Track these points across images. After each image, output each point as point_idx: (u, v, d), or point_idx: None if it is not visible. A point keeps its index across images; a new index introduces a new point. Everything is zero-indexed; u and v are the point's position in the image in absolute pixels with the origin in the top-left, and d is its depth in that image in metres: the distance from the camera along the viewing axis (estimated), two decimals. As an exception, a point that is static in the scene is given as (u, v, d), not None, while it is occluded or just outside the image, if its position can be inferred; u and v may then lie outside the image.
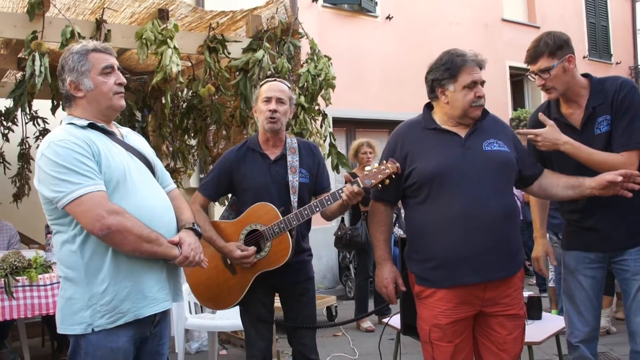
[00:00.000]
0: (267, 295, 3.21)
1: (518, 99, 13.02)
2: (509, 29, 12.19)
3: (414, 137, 2.76)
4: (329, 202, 2.92)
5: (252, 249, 3.05)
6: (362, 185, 2.76)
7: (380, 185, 2.71)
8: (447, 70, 2.65)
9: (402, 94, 9.85)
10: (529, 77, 2.95)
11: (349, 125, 9.84)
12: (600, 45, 14.41)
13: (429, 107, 2.84)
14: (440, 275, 2.60)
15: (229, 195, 3.44)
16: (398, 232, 5.99)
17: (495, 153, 2.65)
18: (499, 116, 2.90)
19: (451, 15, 11.12)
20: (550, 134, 2.79)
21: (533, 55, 2.85)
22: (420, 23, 10.65)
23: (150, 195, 2.34)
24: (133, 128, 5.35)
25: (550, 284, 6.16)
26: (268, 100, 3.14)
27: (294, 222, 2.98)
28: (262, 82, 3.34)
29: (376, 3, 10.28)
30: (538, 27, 12.46)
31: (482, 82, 2.67)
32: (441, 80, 2.67)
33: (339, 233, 6.45)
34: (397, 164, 2.68)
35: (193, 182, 7.34)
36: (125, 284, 2.20)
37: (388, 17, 10.36)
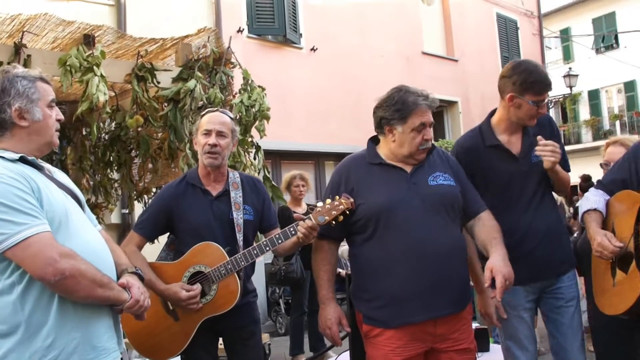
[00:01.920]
0: (210, 342, 2.99)
1: (438, 130, 13.34)
2: (429, 62, 12.55)
3: (358, 172, 2.67)
4: (279, 241, 2.76)
5: (198, 287, 2.82)
6: (314, 222, 2.62)
7: (334, 222, 2.58)
8: (398, 111, 2.56)
9: (327, 126, 9.86)
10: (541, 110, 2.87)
11: (274, 157, 9.71)
12: (513, 78, 15.05)
13: (373, 141, 2.75)
14: (388, 314, 2.51)
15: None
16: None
17: (441, 188, 2.60)
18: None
19: (374, 48, 11.30)
20: None
21: (549, 85, 2.82)
22: (345, 55, 10.75)
23: (90, 237, 2.11)
24: (51, 161, 5.01)
25: None
26: (208, 133, 2.95)
27: (242, 263, 2.79)
28: (204, 112, 3.15)
29: (301, 35, 10.31)
30: (456, 60, 12.88)
31: (431, 124, 2.61)
32: (390, 120, 2.59)
33: (273, 269, 6.23)
34: (351, 200, 2.58)
35: (115, 218, 7.00)
36: (73, 335, 1.94)
37: (313, 49, 10.39)
